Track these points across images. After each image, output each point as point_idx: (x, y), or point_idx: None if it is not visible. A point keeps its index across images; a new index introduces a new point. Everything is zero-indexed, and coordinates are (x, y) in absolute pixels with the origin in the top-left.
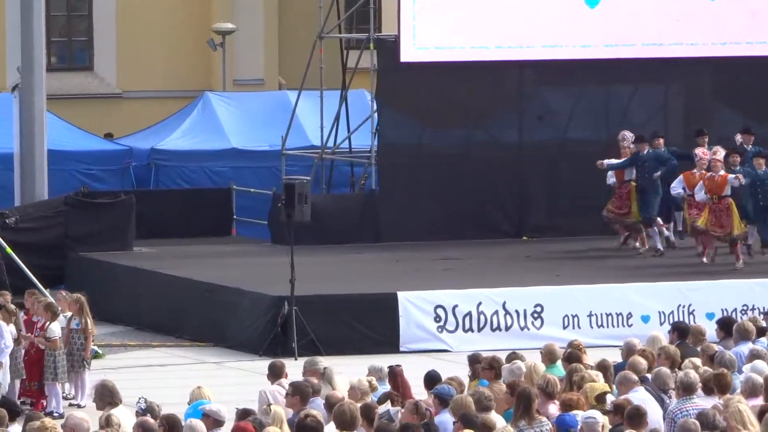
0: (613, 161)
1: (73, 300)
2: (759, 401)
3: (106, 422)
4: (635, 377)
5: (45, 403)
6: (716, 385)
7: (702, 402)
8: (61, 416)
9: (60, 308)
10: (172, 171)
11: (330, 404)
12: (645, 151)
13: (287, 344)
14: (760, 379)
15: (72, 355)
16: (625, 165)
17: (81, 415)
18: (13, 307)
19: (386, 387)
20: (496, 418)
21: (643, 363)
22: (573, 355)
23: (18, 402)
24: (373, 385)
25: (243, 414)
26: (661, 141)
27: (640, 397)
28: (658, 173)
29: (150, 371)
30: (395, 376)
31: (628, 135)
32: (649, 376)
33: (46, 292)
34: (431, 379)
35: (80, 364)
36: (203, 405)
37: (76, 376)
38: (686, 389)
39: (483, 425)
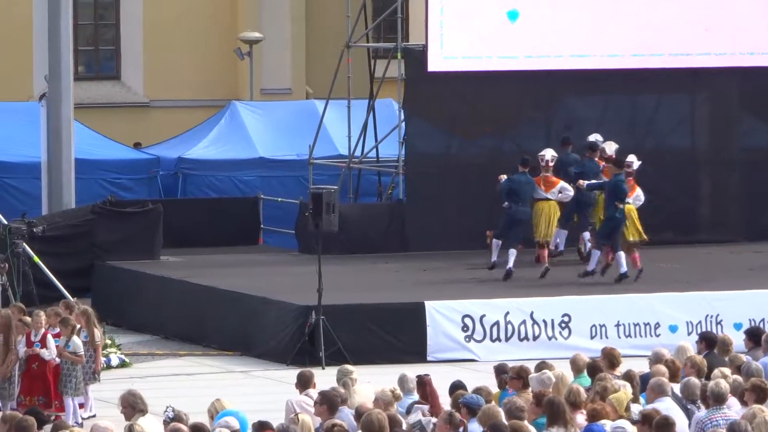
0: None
1: (80, 312)
2: None
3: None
4: (668, 386)
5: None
6: (756, 394)
7: (731, 412)
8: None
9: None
10: (200, 180)
11: (359, 414)
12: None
13: (314, 354)
14: None
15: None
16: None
17: (106, 424)
18: (28, 319)
19: (413, 397)
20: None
21: (665, 372)
22: (595, 365)
23: None
24: (396, 395)
25: (260, 426)
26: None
27: (665, 406)
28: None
29: (177, 380)
30: (424, 385)
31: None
32: (674, 385)
33: (73, 300)
34: (456, 389)
35: (90, 377)
36: (222, 418)
37: (85, 389)
38: (717, 399)
39: None
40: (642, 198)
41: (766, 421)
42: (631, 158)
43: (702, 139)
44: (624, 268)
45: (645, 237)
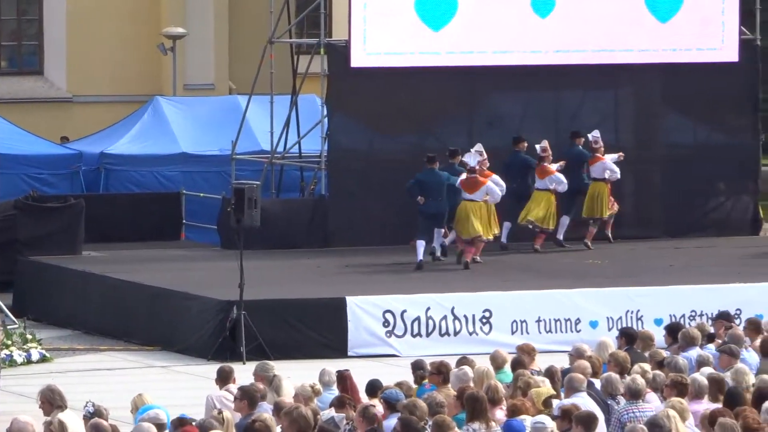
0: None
1: None
2: (704, 404)
3: (60, 427)
4: (581, 382)
5: None
6: (676, 389)
7: (648, 405)
8: None
9: None
10: (122, 175)
11: (279, 409)
12: None
13: (236, 349)
14: (705, 381)
15: None
16: None
17: (25, 419)
18: None
19: (333, 391)
20: None
21: (588, 368)
22: (518, 360)
23: None
24: (316, 390)
25: (179, 423)
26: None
27: (581, 402)
28: None
29: (98, 375)
30: (344, 380)
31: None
32: (594, 381)
33: None
34: (372, 387)
35: None
36: (151, 410)
37: None
38: (633, 395)
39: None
40: (498, 194)
41: (669, 416)
42: (467, 157)
43: (625, 135)
44: (420, 257)
45: (481, 233)
